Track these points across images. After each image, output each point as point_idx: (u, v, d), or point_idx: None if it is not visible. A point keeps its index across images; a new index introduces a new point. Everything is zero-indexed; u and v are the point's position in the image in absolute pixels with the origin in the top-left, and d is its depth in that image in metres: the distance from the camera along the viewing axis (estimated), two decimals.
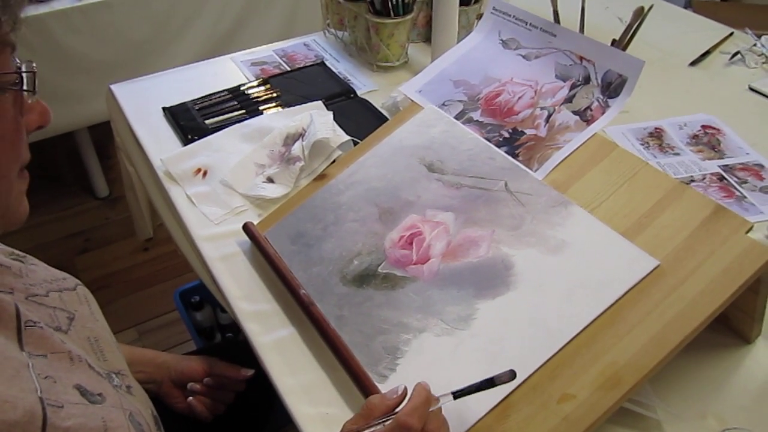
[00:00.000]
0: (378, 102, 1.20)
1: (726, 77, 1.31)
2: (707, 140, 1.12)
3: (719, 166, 1.05)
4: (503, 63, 0.92)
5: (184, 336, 1.73)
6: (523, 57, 0.91)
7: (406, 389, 0.60)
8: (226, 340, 1.53)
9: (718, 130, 1.14)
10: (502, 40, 0.94)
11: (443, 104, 0.92)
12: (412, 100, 0.96)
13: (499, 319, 0.68)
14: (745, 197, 0.98)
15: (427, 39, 1.43)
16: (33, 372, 0.51)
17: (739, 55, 1.35)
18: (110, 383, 0.60)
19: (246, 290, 0.83)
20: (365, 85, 1.28)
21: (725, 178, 1.02)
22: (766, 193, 0.99)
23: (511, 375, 0.60)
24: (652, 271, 0.66)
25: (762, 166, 1.05)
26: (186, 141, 1.09)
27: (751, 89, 1.26)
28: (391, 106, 1.17)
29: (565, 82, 0.85)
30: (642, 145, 1.09)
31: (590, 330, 0.64)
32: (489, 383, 0.59)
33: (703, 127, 1.15)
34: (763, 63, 1.34)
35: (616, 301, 0.65)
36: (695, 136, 1.12)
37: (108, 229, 2.11)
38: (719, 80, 1.30)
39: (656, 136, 1.12)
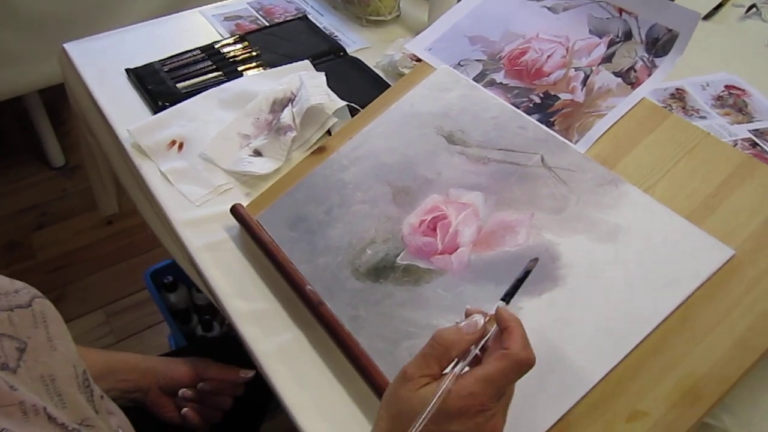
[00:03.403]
0: (371, 61, 1.08)
1: (743, 32, 1.22)
2: (733, 102, 1.03)
3: (750, 131, 0.97)
4: (526, 16, 0.80)
5: (157, 317, 1.60)
6: (549, 9, 0.79)
7: (485, 321, 0.47)
8: (220, 337, 1.39)
9: (743, 90, 1.05)
10: None
11: (459, 64, 0.80)
12: (420, 60, 0.84)
13: (547, 321, 0.58)
14: None
15: None
16: None
17: (754, 9, 1.25)
18: None
19: (239, 285, 0.72)
20: (355, 41, 1.14)
21: (758, 144, 0.94)
22: None
23: (534, 261, 0.55)
24: (727, 262, 0.56)
25: None
26: (156, 108, 0.95)
27: None
28: (387, 65, 1.04)
29: (601, 38, 0.74)
30: (665, 107, 1.00)
31: (658, 334, 0.55)
32: (525, 275, 0.53)
33: (727, 87, 1.06)
34: None
35: (688, 297, 0.56)
36: (719, 98, 1.03)
37: (66, 201, 1.94)
38: (736, 36, 1.21)
39: (678, 97, 1.03)
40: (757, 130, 0.97)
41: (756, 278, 0.55)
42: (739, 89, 1.05)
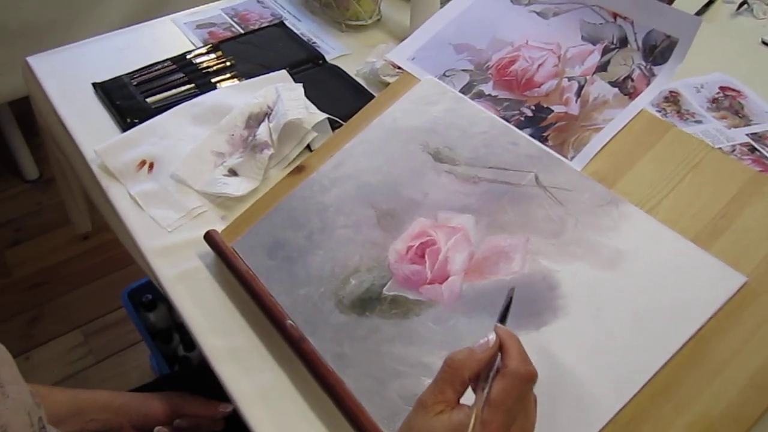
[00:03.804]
0: (351, 69, 1.03)
1: (735, 30, 1.18)
2: (728, 104, 0.99)
3: (747, 135, 0.93)
4: (514, 22, 0.76)
5: (138, 335, 1.54)
6: (538, 14, 0.75)
7: (497, 338, 0.45)
8: (196, 367, 1.33)
9: (739, 92, 1.01)
10: None
11: (444, 74, 0.75)
12: (404, 71, 0.79)
13: (548, 357, 0.53)
14: None
15: None
16: None
17: (746, 5, 1.22)
18: None
19: (215, 319, 0.67)
20: (334, 48, 1.09)
21: (757, 149, 0.90)
22: None
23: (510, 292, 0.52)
24: (739, 290, 0.52)
25: None
26: (125, 125, 0.90)
27: (765, 43, 1.13)
28: (368, 73, 1.00)
29: (594, 45, 0.70)
30: (659, 111, 0.96)
31: (669, 369, 0.51)
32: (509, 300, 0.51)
33: (722, 88, 1.02)
34: None
35: (698, 331, 0.52)
36: (715, 100, 0.99)
37: (41, 216, 1.88)
38: (728, 34, 1.17)
39: (673, 101, 0.99)
40: (755, 134, 0.93)
41: None
42: (734, 90, 1.01)
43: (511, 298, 0.51)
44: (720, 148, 0.90)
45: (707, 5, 1.22)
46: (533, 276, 0.58)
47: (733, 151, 0.89)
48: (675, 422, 0.49)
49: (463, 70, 0.75)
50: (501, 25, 0.76)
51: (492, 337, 0.45)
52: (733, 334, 0.51)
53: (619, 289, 0.55)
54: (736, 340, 0.50)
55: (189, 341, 1.37)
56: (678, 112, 0.96)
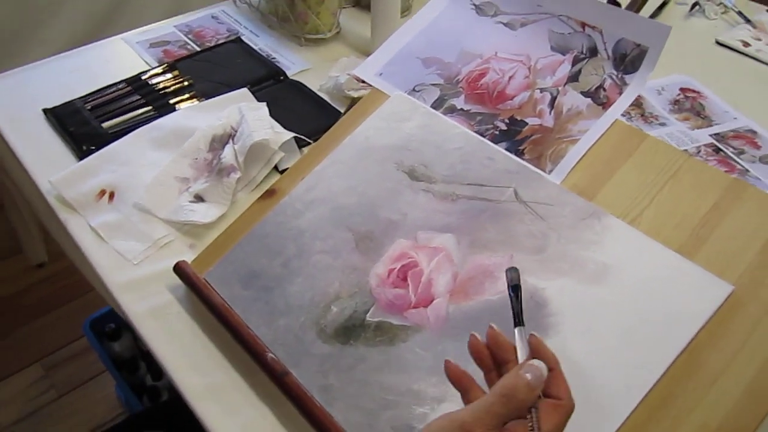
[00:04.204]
0: (314, 84, 1.01)
1: (689, 31, 1.20)
2: (690, 105, 1.00)
3: (711, 135, 0.94)
4: (481, 34, 0.75)
5: (101, 365, 1.48)
6: (506, 25, 0.74)
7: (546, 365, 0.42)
8: (169, 402, 1.28)
9: (699, 93, 1.03)
10: (474, 4, 0.77)
11: (414, 90, 0.74)
12: (372, 87, 0.77)
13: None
14: (747, 171, 0.87)
15: (358, 2, 1.24)
16: None
17: (698, 6, 1.24)
18: None
19: (191, 356, 0.64)
20: (294, 63, 1.07)
21: (721, 150, 0.91)
22: (766, 163, 0.89)
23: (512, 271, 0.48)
24: (727, 299, 0.52)
25: (754, 132, 0.95)
26: (81, 153, 0.86)
27: (719, 43, 1.15)
28: (332, 88, 0.98)
29: (564, 55, 0.69)
30: (623, 116, 0.96)
31: (664, 383, 0.50)
32: (517, 291, 0.47)
33: (682, 90, 1.03)
34: (723, 13, 1.24)
35: (689, 342, 0.51)
36: (676, 102, 1.01)
37: None
38: (683, 35, 1.19)
39: (635, 104, 0.99)
40: (717, 134, 0.94)
41: (758, 317, 0.51)
42: (694, 92, 1.03)
43: (518, 287, 0.47)
44: (685, 150, 0.91)
45: (661, 7, 1.25)
46: None
47: (699, 152, 0.91)
48: None
49: (433, 85, 0.73)
50: (468, 37, 0.75)
51: (542, 367, 0.41)
52: (725, 344, 0.50)
53: (607, 304, 0.54)
54: (728, 350, 0.50)
55: (156, 370, 1.32)
56: (642, 115, 0.97)
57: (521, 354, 0.44)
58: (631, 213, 0.58)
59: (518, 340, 0.44)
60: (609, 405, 0.50)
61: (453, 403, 0.53)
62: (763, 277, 0.52)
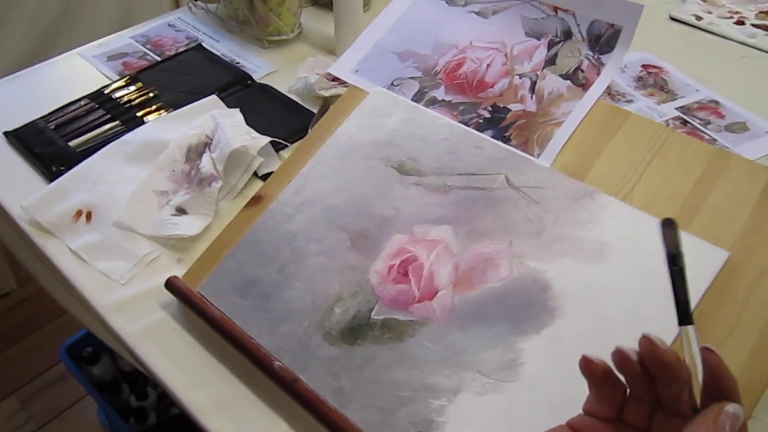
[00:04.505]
0: (282, 86, 0.99)
1: (645, 9, 1.23)
2: (653, 81, 1.03)
3: (677, 109, 0.97)
4: (454, 24, 0.75)
5: (81, 390, 1.44)
6: (477, 14, 0.74)
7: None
8: (163, 420, 1.26)
9: (660, 68, 1.06)
10: None
11: (392, 84, 0.74)
12: (344, 83, 0.77)
13: (554, 359, 0.53)
14: (715, 140, 0.90)
15: (316, 1, 1.23)
16: None
17: None
18: None
19: (192, 372, 0.62)
20: (260, 66, 1.05)
21: (688, 122, 0.94)
22: (732, 132, 0.92)
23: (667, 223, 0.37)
24: (724, 265, 0.54)
25: (717, 102, 0.98)
26: (51, 175, 0.83)
27: (673, 19, 1.19)
28: (302, 89, 0.97)
29: (539, 39, 0.70)
30: None
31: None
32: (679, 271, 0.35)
33: (644, 66, 1.06)
34: None
35: (693, 310, 0.52)
36: (640, 78, 1.03)
37: None
38: None
39: None
40: (683, 107, 0.97)
41: (755, 279, 0.52)
42: (655, 67, 1.06)
43: (680, 257, 0.34)
44: None
45: None
46: (523, 279, 0.57)
47: (668, 125, 0.93)
48: None
49: (411, 78, 0.73)
50: (441, 28, 0.75)
51: (740, 413, 0.35)
52: (726, 310, 0.52)
53: (609, 282, 0.55)
54: (730, 315, 0.52)
55: (140, 390, 1.29)
56: (609, 94, 0.99)
57: (697, 368, 0.36)
58: (622, 190, 0.59)
59: (691, 343, 0.34)
60: None
61: (469, 393, 0.53)
62: (755, 241, 0.54)
